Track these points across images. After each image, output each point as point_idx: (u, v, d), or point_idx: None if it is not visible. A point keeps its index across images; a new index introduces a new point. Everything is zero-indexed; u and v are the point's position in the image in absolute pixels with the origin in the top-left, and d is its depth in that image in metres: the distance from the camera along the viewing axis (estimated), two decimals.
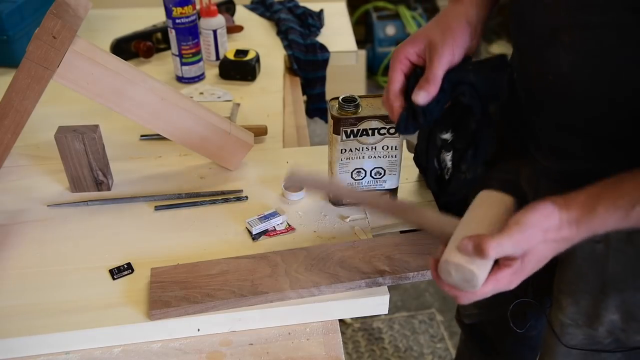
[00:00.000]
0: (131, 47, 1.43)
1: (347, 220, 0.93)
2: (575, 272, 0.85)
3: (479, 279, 0.65)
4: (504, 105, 0.90)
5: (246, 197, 0.97)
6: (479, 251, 0.63)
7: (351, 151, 0.89)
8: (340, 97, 0.87)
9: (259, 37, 1.58)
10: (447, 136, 0.85)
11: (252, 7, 1.74)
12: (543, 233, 0.64)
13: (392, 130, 0.88)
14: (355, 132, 0.88)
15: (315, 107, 1.52)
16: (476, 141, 0.83)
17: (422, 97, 0.74)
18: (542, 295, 0.97)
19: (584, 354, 0.88)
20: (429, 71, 0.74)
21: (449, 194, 0.92)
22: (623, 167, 0.71)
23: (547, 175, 0.85)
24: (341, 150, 0.89)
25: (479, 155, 0.83)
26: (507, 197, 0.71)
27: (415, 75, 0.76)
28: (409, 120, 0.76)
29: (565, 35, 0.73)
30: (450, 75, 0.75)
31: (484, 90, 0.76)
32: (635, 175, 0.64)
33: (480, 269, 0.64)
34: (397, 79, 0.75)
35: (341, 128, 0.87)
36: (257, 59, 1.36)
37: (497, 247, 0.63)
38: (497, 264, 0.66)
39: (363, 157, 0.90)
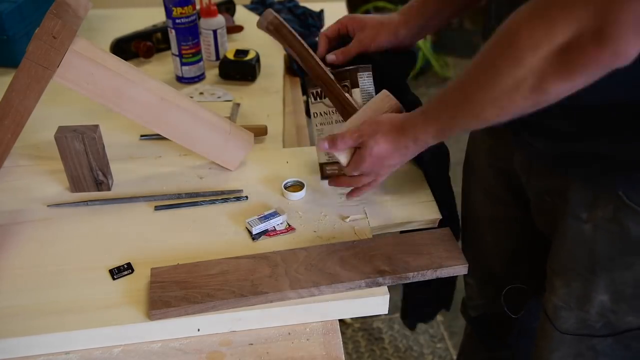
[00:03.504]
0: (131, 47, 1.42)
1: (347, 220, 0.93)
2: (565, 253, 0.87)
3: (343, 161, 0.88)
4: None
5: (246, 197, 0.97)
6: (332, 145, 0.86)
7: (322, 115, 0.97)
8: None
9: (259, 37, 1.57)
10: None
11: (252, 7, 1.74)
12: (375, 125, 0.83)
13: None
14: (320, 93, 0.96)
15: None
16: None
17: (330, 57, 0.99)
18: (540, 285, 0.98)
19: (577, 339, 0.89)
20: (349, 47, 0.99)
21: (424, 166, 1.02)
22: (613, 147, 0.74)
23: (539, 158, 0.86)
24: (314, 114, 0.97)
25: None
26: (395, 101, 0.90)
27: (342, 41, 1.01)
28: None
29: None
30: (363, 54, 0.98)
31: (386, 69, 0.97)
32: (442, 94, 0.77)
33: (341, 155, 0.87)
34: (331, 29, 1.03)
35: (308, 89, 0.98)
36: (257, 59, 1.36)
37: (342, 140, 0.85)
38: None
39: (332, 121, 0.96)
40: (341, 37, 1.02)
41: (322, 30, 1.04)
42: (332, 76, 0.94)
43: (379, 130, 0.83)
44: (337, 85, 0.93)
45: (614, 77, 0.62)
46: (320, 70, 0.94)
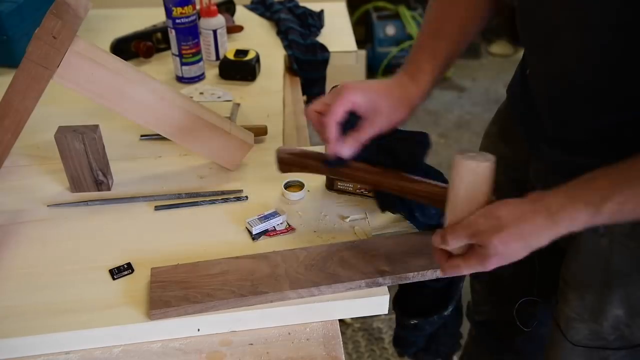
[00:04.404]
0: (131, 47, 1.43)
1: (347, 220, 0.93)
2: (580, 265, 0.86)
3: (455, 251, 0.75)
4: (517, 99, 0.93)
5: (246, 197, 0.97)
6: (443, 242, 0.74)
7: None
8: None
9: (259, 37, 1.58)
10: (414, 322, 0.97)
11: (252, 7, 1.74)
12: (496, 220, 0.70)
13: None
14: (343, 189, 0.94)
15: None
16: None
17: (346, 152, 0.82)
18: (549, 293, 0.97)
19: (589, 351, 0.88)
20: (361, 133, 0.82)
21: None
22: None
23: (555, 169, 0.85)
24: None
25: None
26: (485, 163, 0.71)
27: (350, 121, 0.82)
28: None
29: (566, 34, 0.73)
30: (380, 140, 0.83)
31: (403, 158, 0.85)
32: (607, 171, 0.67)
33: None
34: (339, 113, 0.81)
35: (335, 183, 0.94)
36: (257, 59, 1.36)
37: (452, 236, 0.73)
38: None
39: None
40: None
41: (314, 105, 0.85)
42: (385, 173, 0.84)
43: (502, 227, 0.70)
44: (404, 180, 0.83)
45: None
46: (367, 174, 0.85)
